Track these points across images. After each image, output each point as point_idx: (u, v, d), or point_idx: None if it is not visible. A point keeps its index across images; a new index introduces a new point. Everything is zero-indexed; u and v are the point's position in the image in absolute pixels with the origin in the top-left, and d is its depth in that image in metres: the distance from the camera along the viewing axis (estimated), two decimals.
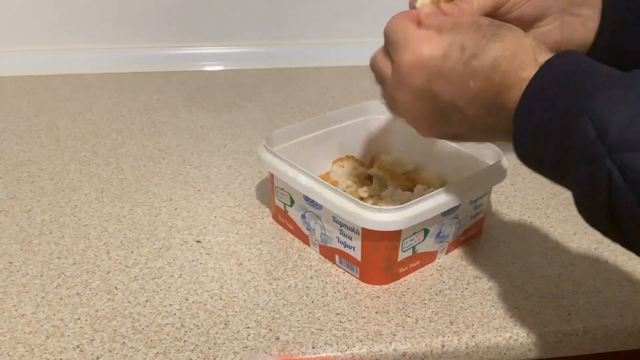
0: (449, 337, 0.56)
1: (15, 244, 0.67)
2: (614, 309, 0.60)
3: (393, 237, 0.60)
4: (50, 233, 0.69)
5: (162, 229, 0.70)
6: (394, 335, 0.56)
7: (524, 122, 0.44)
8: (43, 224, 0.70)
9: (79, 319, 0.57)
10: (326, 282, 0.63)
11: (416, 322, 0.58)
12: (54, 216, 0.71)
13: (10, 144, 0.87)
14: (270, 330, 0.56)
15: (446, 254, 0.67)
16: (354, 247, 0.61)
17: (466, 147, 0.70)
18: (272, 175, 0.68)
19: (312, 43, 1.16)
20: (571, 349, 0.59)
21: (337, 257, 0.64)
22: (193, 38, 1.12)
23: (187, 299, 0.60)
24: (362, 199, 0.70)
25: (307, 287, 0.62)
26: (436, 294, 0.61)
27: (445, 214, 0.63)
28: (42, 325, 0.56)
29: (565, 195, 0.78)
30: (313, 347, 0.55)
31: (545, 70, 0.43)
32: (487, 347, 0.57)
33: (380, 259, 0.61)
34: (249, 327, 0.57)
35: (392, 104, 0.54)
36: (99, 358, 0.53)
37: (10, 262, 0.64)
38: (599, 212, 0.40)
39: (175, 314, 0.58)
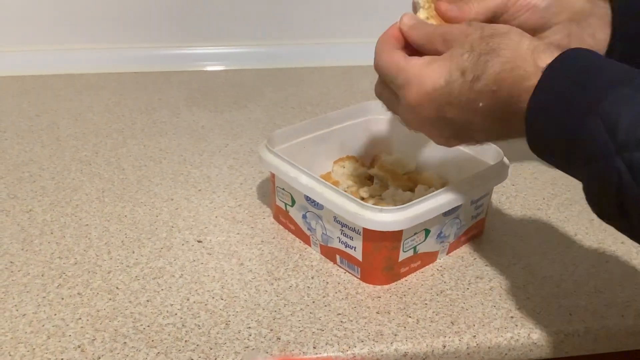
0: (450, 337, 0.56)
1: (17, 243, 0.67)
2: (616, 309, 0.60)
3: (394, 237, 0.60)
4: (52, 233, 0.69)
5: (163, 228, 0.70)
6: (395, 335, 0.56)
7: (533, 128, 0.44)
8: (44, 224, 0.70)
9: (80, 318, 0.57)
10: (327, 282, 0.63)
11: (417, 322, 0.58)
12: (55, 216, 0.71)
13: (11, 144, 0.87)
14: (272, 330, 0.56)
15: (447, 254, 0.67)
16: (355, 247, 0.61)
17: (467, 147, 0.70)
18: (273, 175, 0.68)
19: (314, 43, 1.15)
20: (572, 349, 0.59)
21: (338, 257, 0.64)
22: (194, 38, 1.12)
23: (188, 299, 0.60)
24: (363, 199, 0.70)
25: (308, 287, 0.62)
26: (437, 294, 0.61)
27: (446, 214, 0.63)
28: (43, 325, 0.56)
29: (566, 196, 0.78)
30: (314, 347, 0.55)
31: (549, 74, 0.43)
32: (489, 347, 0.57)
33: (381, 259, 0.61)
34: (250, 327, 0.57)
35: (409, 126, 0.54)
36: (100, 358, 0.53)
37: (11, 262, 0.64)
38: (609, 208, 0.40)
39: (176, 314, 0.58)
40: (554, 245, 0.69)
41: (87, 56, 1.10)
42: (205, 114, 0.97)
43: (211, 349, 0.54)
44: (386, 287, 0.62)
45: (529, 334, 0.57)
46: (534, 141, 0.45)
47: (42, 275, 0.62)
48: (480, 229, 0.70)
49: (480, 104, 0.46)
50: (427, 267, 0.65)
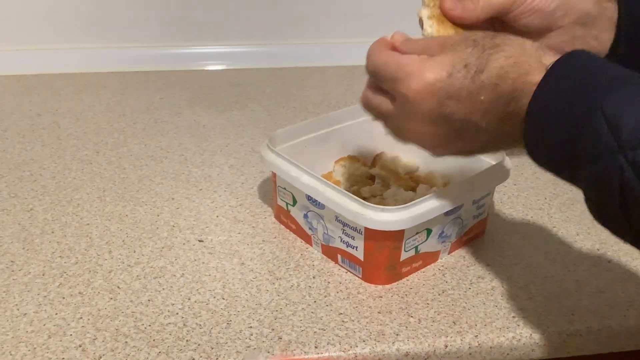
0: (451, 337, 0.56)
1: (17, 242, 0.67)
2: (618, 310, 0.60)
3: (396, 237, 0.60)
4: (52, 232, 0.68)
5: (164, 228, 0.70)
6: (397, 335, 0.56)
7: (535, 123, 0.44)
8: (45, 223, 0.70)
9: (81, 318, 0.57)
10: (329, 282, 0.62)
11: (419, 322, 0.58)
12: (55, 215, 0.71)
13: (12, 143, 0.87)
14: (273, 329, 0.56)
15: (449, 253, 0.67)
16: (356, 247, 0.61)
17: None
18: (274, 175, 0.68)
19: (315, 43, 1.15)
20: (574, 349, 0.59)
21: (339, 256, 0.64)
22: (196, 37, 1.12)
23: (189, 299, 0.60)
24: (364, 198, 0.70)
25: (310, 286, 0.62)
26: (439, 294, 0.61)
27: (448, 213, 0.62)
28: (44, 325, 0.56)
29: (567, 196, 0.78)
30: (316, 347, 0.55)
31: (554, 71, 0.43)
32: (490, 347, 0.57)
33: (383, 258, 0.61)
34: (251, 327, 0.56)
35: (399, 134, 0.54)
36: (101, 357, 0.53)
37: (12, 261, 0.64)
38: (610, 209, 0.40)
39: (177, 314, 0.58)
40: (555, 245, 0.69)
41: (88, 55, 1.10)
42: (207, 114, 0.97)
43: (212, 348, 0.54)
44: (388, 286, 0.62)
45: (530, 334, 0.57)
46: (534, 141, 0.45)
47: (43, 275, 0.62)
48: (481, 229, 0.70)
49: (482, 98, 0.46)
50: (428, 266, 0.65)
